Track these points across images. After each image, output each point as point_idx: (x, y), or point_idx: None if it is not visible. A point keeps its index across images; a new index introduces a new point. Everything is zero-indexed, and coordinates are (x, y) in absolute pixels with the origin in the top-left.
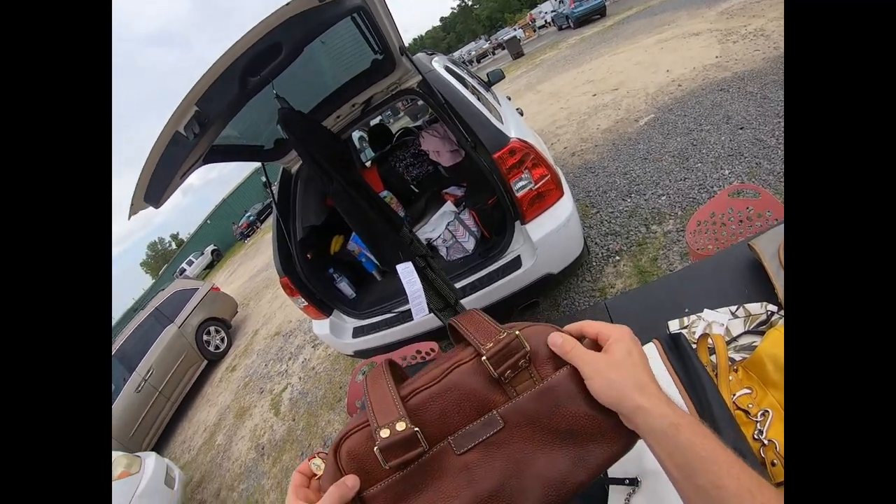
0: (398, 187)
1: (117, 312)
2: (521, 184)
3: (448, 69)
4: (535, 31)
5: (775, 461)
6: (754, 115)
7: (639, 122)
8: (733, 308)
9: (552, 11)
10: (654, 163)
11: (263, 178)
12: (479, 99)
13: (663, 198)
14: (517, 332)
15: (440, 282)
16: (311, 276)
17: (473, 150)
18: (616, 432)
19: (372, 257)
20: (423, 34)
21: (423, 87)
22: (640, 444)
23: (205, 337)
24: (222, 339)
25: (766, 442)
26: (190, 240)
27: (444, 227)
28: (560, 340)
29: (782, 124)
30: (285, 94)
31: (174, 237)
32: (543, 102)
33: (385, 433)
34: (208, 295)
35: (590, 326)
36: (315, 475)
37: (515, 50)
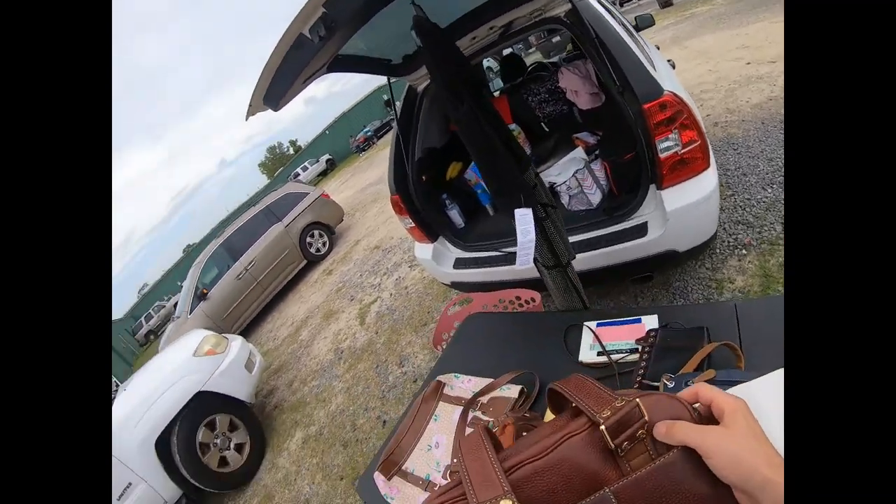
0: (528, 122)
1: (232, 208)
2: (666, 144)
3: (599, 1)
4: None
5: None
6: None
7: None
8: None
9: None
10: None
11: (387, 96)
12: (632, 40)
13: None
14: (637, 401)
15: (558, 238)
16: (423, 198)
17: (620, 96)
18: None
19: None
20: None
21: (572, 16)
22: None
23: (308, 239)
24: (324, 244)
25: None
26: (307, 147)
27: (571, 173)
28: (664, 430)
29: None
30: (422, 4)
31: (293, 143)
32: (690, 61)
33: None
34: (318, 200)
35: (704, 393)
36: None
37: None
